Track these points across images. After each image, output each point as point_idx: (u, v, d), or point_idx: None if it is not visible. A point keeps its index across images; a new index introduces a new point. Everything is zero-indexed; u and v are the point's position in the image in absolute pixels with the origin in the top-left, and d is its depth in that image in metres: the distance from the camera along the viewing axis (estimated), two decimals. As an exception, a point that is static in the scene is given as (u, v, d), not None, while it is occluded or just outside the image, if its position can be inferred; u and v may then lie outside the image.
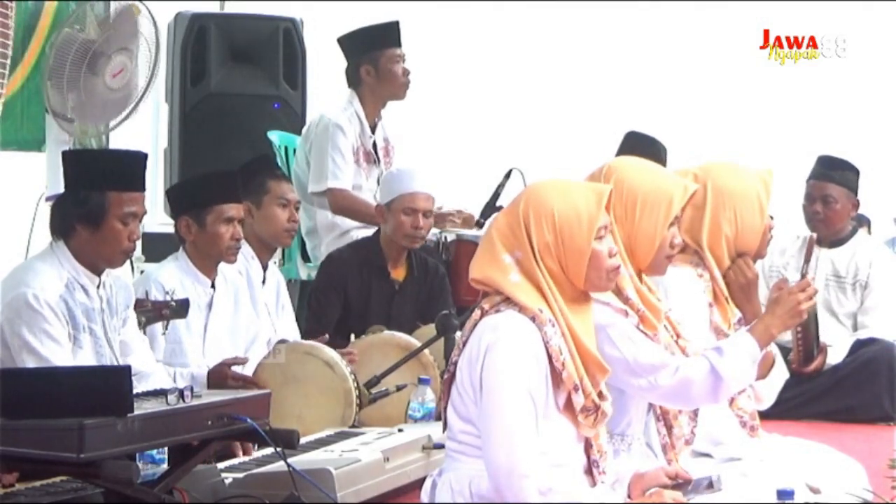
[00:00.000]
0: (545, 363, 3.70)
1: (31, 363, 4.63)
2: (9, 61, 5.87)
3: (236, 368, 5.43)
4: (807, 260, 4.13)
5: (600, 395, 3.78)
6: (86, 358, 4.75)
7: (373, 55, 7.29)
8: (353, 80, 7.35)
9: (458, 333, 4.14)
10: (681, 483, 3.89)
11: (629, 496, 3.88)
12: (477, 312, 3.80)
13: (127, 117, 6.69)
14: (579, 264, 3.75)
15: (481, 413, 3.69)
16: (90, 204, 4.75)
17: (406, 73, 7.35)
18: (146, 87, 6.24)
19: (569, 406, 3.75)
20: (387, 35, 7.35)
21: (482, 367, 3.69)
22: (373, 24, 7.41)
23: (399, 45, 7.35)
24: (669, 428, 4.25)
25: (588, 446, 3.82)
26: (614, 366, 3.87)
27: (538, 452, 3.64)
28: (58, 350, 4.67)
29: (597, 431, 3.82)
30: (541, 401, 3.68)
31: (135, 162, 4.92)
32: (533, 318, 3.70)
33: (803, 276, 4.09)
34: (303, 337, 6.13)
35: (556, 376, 3.72)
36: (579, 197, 3.79)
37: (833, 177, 7.18)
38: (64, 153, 5.16)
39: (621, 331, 4.02)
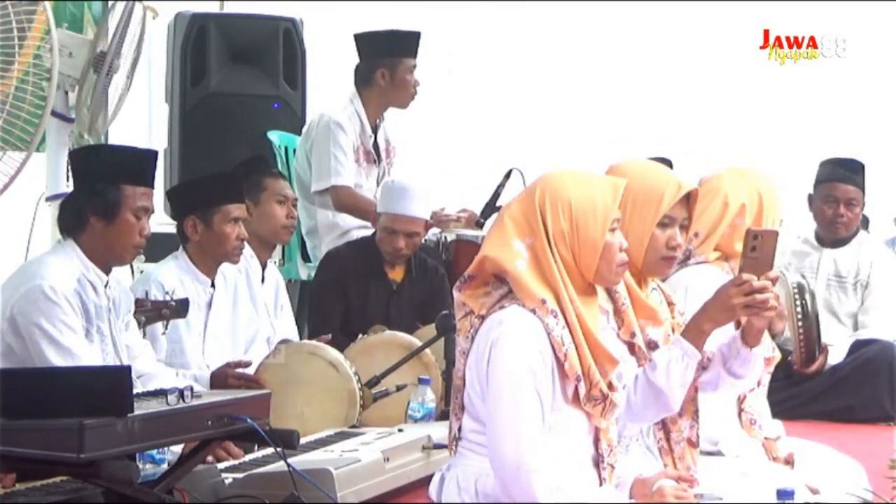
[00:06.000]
0: (550, 356, 3.69)
1: (51, 353, 4.65)
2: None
3: (239, 371, 5.43)
4: (744, 255, 4.05)
5: (610, 385, 3.76)
6: (94, 354, 4.75)
7: (392, 61, 7.26)
8: (365, 79, 7.32)
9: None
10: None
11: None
12: (476, 321, 3.77)
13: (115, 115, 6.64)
14: (592, 255, 3.75)
15: (487, 408, 3.68)
16: (106, 197, 4.79)
17: (416, 84, 7.34)
18: (128, 80, 6.17)
19: (578, 397, 3.74)
20: (408, 44, 7.33)
21: (488, 362, 3.69)
22: (396, 29, 7.38)
23: (416, 56, 7.34)
24: (668, 432, 4.23)
25: (597, 439, 3.82)
26: None
27: (546, 448, 3.63)
28: (77, 340, 4.69)
29: (608, 423, 3.81)
30: (547, 395, 3.67)
31: (147, 158, 5.00)
32: (534, 311, 3.69)
33: (741, 271, 4.03)
34: (309, 337, 6.13)
35: (563, 368, 3.72)
36: (595, 188, 3.80)
37: (856, 180, 7.18)
38: (73, 150, 5.16)
39: None
